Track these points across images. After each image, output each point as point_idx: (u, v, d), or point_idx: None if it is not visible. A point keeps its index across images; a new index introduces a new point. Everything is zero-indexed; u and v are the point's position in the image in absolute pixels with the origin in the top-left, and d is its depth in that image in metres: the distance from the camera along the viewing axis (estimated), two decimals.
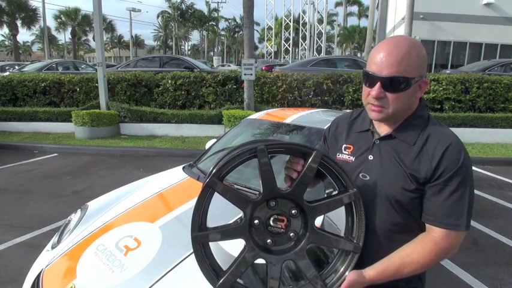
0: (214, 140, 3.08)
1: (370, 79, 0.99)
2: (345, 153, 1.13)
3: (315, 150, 0.94)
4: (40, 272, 1.71)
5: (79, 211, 2.20)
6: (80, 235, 1.91)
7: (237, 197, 0.93)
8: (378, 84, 0.97)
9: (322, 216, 1.07)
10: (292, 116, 2.81)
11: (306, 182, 0.95)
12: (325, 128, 2.40)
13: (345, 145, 1.15)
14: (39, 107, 8.04)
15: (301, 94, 7.87)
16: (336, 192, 1.01)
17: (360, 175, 1.06)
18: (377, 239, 1.04)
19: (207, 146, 3.01)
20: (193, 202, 2.16)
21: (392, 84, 0.95)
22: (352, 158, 1.11)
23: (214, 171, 0.92)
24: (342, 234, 1.04)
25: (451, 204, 0.95)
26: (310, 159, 0.93)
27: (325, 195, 1.16)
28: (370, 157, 1.06)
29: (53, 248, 1.93)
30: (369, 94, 1.00)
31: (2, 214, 3.78)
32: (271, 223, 0.95)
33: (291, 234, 0.96)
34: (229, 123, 6.75)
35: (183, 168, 2.58)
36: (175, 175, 2.45)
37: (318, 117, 2.90)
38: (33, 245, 3.12)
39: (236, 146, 1.05)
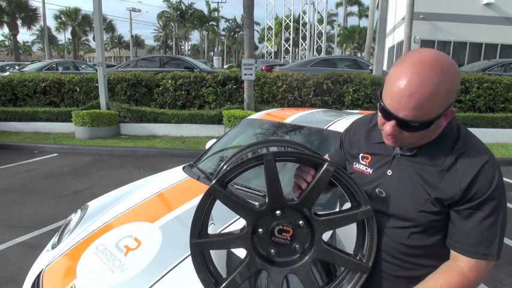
0: (214, 140, 3.08)
1: (385, 112, 0.84)
2: (362, 164, 1.03)
3: (327, 161, 0.88)
4: (40, 272, 1.71)
5: (79, 211, 2.19)
6: (80, 235, 1.91)
7: (240, 206, 0.89)
8: (393, 122, 0.83)
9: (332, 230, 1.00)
10: (292, 116, 2.81)
11: (316, 194, 0.89)
12: (324, 127, 2.41)
13: (362, 154, 1.04)
14: (39, 107, 8.03)
15: (301, 94, 7.87)
16: (349, 206, 0.95)
17: (376, 190, 0.97)
18: (389, 261, 0.96)
19: (207, 146, 3.01)
20: (193, 202, 2.17)
21: (409, 125, 0.82)
22: (369, 170, 1.01)
23: (216, 177, 0.88)
24: (351, 251, 0.97)
25: (481, 231, 0.84)
26: (321, 171, 0.87)
27: (338, 207, 1.12)
28: (389, 172, 0.95)
29: (53, 248, 1.93)
30: (383, 123, 0.87)
31: (2, 214, 3.78)
32: (276, 233, 0.90)
33: (297, 246, 0.91)
34: (229, 123, 6.75)
35: (183, 168, 2.58)
36: (176, 175, 2.45)
37: (318, 117, 2.89)
38: (33, 245, 3.12)
39: (245, 146, 1.01)
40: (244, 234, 0.89)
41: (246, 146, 1.02)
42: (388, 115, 0.84)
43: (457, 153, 0.86)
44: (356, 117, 2.62)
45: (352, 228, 0.96)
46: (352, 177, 0.91)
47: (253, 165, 0.88)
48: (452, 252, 0.88)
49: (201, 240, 0.90)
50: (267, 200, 0.89)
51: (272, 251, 0.91)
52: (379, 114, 0.88)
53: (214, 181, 0.87)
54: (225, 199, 0.88)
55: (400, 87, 0.79)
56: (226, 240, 0.92)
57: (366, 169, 1.02)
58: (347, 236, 1.07)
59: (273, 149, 0.97)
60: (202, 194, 0.89)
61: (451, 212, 0.87)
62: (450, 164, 0.86)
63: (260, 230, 0.89)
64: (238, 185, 2.08)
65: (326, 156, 1.20)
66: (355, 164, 1.05)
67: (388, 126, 0.85)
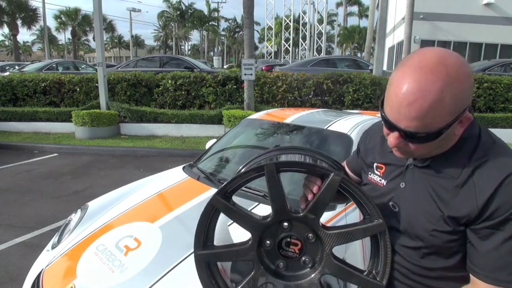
0: (214, 140, 3.08)
1: (386, 122, 0.77)
2: (376, 174, 0.96)
3: (333, 172, 0.82)
4: (40, 272, 1.71)
5: (79, 211, 2.19)
6: (80, 235, 1.91)
7: (243, 218, 0.85)
8: (396, 133, 0.76)
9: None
10: (292, 116, 2.81)
11: (322, 206, 0.83)
12: (324, 127, 2.41)
13: (376, 164, 0.96)
14: (39, 107, 8.03)
15: (301, 94, 7.87)
16: (361, 219, 0.89)
17: (390, 204, 0.89)
18: (403, 282, 0.88)
19: (207, 146, 3.01)
20: (193, 202, 2.17)
21: (414, 136, 0.74)
22: (383, 182, 0.93)
23: (218, 189, 0.85)
24: (365, 268, 0.90)
25: (503, 255, 0.72)
26: (326, 182, 0.82)
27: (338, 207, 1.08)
28: (402, 184, 0.87)
29: (53, 248, 1.93)
30: (388, 134, 0.79)
31: (2, 214, 3.78)
32: (284, 246, 0.86)
33: (306, 260, 0.86)
34: (229, 123, 6.75)
35: (183, 168, 2.58)
36: (176, 175, 2.45)
37: (318, 117, 2.90)
38: (33, 245, 3.12)
39: (264, 152, 0.97)
40: (250, 246, 0.85)
41: (265, 151, 0.99)
42: (389, 125, 0.76)
43: (474, 163, 0.75)
44: (357, 116, 2.62)
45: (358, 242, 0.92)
46: (362, 189, 0.85)
47: (255, 176, 0.84)
48: (471, 276, 0.79)
49: (206, 252, 0.87)
50: (271, 212, 0.84)
51: (280, 264, 0.86)
52: (383, 123, 0.80)
53: (215, 192, 0.84)
54: (228, 211, 0.85)
55: (398, 95, 0.71)
56: (232, 252, 0.88)
57: (380, 180, 0.94)
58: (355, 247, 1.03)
59: (284, 157, 0.93)
60: (205, 206, 0.86)
61: (468, 231, 0.76)
62: (466, 176, 0.75)
63: (267, 242, 0.86)
64: None
65: (344, 163, 1.15)
66: (370, 174, 0.98)
67: (392, 138, 0.77)
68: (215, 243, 0.91)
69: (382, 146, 0.95)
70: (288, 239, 0.85)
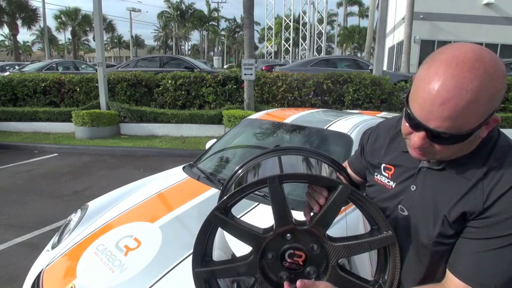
0: (215, 140, 3.08)
1: (412, 121, 0.71)
2: (384, 175, 0.91)
3: (342, 184, 0.79)
4: (40, 272, 1.71)
5: (79, 211, 2.20)
6: (80, 235, 1.91)
7: (243, 233, 0.82)
8: (423, 133, 0.70)
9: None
10: (292, 116, 2.81)
11: (329, 218, 0.80)
12: (324, 127, 2.41)
13: (384, 165, 0.92)
14: (39, 107, 8.04)
15: (301, 94, 7.87)
16: (368, 230, 0.85)
17: (399, 207, 0.85)
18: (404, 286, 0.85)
19: (207, 146, 3.01)
20: (193, 202, 2.17)
21: (441, 137, 0.69)
22: (392, 184, 0.88)
23: (218, 204, 0.82)
24: (371, 278, 0.86)
25: (488, 258, 0.70)
26: (334, 195, 0.79)
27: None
28: (413, 187, 0.83)
29: (53, 248, 1.93)
30: (410, 133, 0.74)
31: (2, 214, 3.78)
32: (287, 258, 0.82)
33: (310, 270, 0.83)
34: (229, 123, 6.75)
35: (183, 168, 2.58)
36: (176, 175, 2.45)
37: (318, 117, 2.90)
38: (33, 245, 3.13)
39: (263, 152, 0.96)
40: (252, 262, 0.82)
41: (264, 152, 0.97)
42: (416, 125, 0.71)
43: (488, 166, 0.73)
44: (357, 116, 2.62)
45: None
46: (371, 200, 0.82)
47: (256, 189, 0.82)
48: (447, 272, 0.77)
49: (205, 269, 0.84)
50: (274, 225, 0.81)
51: (283, 276, 0.83)
52: (405, 122, 0.75)
53: (214, 208, 0.81)
54: (227, 227, 0.81)
55: (430, 92, 0.65)
56: (233, 269, 0.85)
57: (388, 182, 0.89)
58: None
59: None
60: (203, 222, 0.83)
61: (463, 226, 0.75)
62: (478, 179, 0.73)
63: (269, 254, 0.82)
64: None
65: (346, 163, 1.12)
66: (377, 175, 0.94)
67: (416, 138, 0.71)
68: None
69: (391, 145, 0.91)
70: (291, 251, 0.82)
